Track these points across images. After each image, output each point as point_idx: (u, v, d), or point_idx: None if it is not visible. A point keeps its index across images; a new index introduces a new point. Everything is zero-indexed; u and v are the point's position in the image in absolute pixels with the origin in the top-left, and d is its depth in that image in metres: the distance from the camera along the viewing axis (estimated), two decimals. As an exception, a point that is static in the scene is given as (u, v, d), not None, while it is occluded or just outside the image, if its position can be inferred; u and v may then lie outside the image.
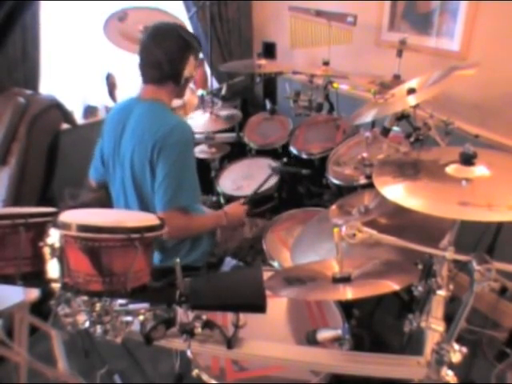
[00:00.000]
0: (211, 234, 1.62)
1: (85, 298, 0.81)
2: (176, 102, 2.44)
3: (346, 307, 1.30)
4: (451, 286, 0.89)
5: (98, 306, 0.82)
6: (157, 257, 1.50)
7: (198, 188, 1.42)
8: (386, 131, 1.46)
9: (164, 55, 1.34)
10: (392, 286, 0.86)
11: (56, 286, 0.80)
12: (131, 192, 1.43)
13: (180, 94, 1.48)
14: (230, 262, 1.73)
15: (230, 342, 0.93)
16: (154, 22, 1.40)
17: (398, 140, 1.53)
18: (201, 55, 2.93)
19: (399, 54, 1.86)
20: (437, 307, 0.89)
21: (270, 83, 2.98)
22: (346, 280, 0.91)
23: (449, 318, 0.89)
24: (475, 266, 0.78)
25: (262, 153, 2.32)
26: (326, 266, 0.98)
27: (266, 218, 1.97)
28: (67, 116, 2.12)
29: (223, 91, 2.45)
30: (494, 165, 0.92)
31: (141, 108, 1.38)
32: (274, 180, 2.06)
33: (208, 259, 1.62)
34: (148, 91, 1.40)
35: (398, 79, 1.88)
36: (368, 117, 1.31)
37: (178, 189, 1.32)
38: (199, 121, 2.31)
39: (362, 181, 1.59)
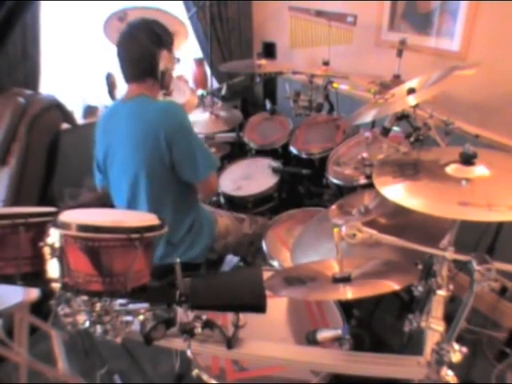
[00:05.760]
0: (211, 228, 1.62)
1: (85, 298, 0.81)
2: (177, 102, 2.43)
3: (346, 307, 1.30)
4: (451, 286, 0.89)
5: (98, 306, 0.82)
6: (159, 252, 1.49)
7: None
8: (385, 131, 1.46)
9: (137, 51, 1.35)
10: (392, 285, 0.86)
11: (56, 285, 0.80)
12: (138, 191, 1.42)
13: (164, 87, 1.49)
14: (230, 261, 1.73)
15: (230, 342, 0.93)
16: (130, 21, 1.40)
17: (398, 140, 1.53)
18: (201, 55, 2.96)
19: (399, 53, 1.86)
20: (437, 307, 0.89)
21: (270, 83, 2.98)
22: (346, 280, 0.91)
23: (449, 318, 0.89)
24: (475, 266, 0.78)
25: (261, 153, 2.32)
26: (326, 266, 0.98)
27: (266, 216, 1.97)
28: (67, 116, 2.12)
29: (223, 91, 2.45)
30: (493, 165, 0.92)
31: (127, 109, 1.39)
32: (274, 180, 2.06)
33: (208, 255, 1.62)
34: (131, 90, 1.41)
35: (398, 79, 1.88)
36: (368, 117, 1.31)
37: (205, 156, 1.43)
38: (199, 121, 2.31)
39: (362, 181, 1.59)
